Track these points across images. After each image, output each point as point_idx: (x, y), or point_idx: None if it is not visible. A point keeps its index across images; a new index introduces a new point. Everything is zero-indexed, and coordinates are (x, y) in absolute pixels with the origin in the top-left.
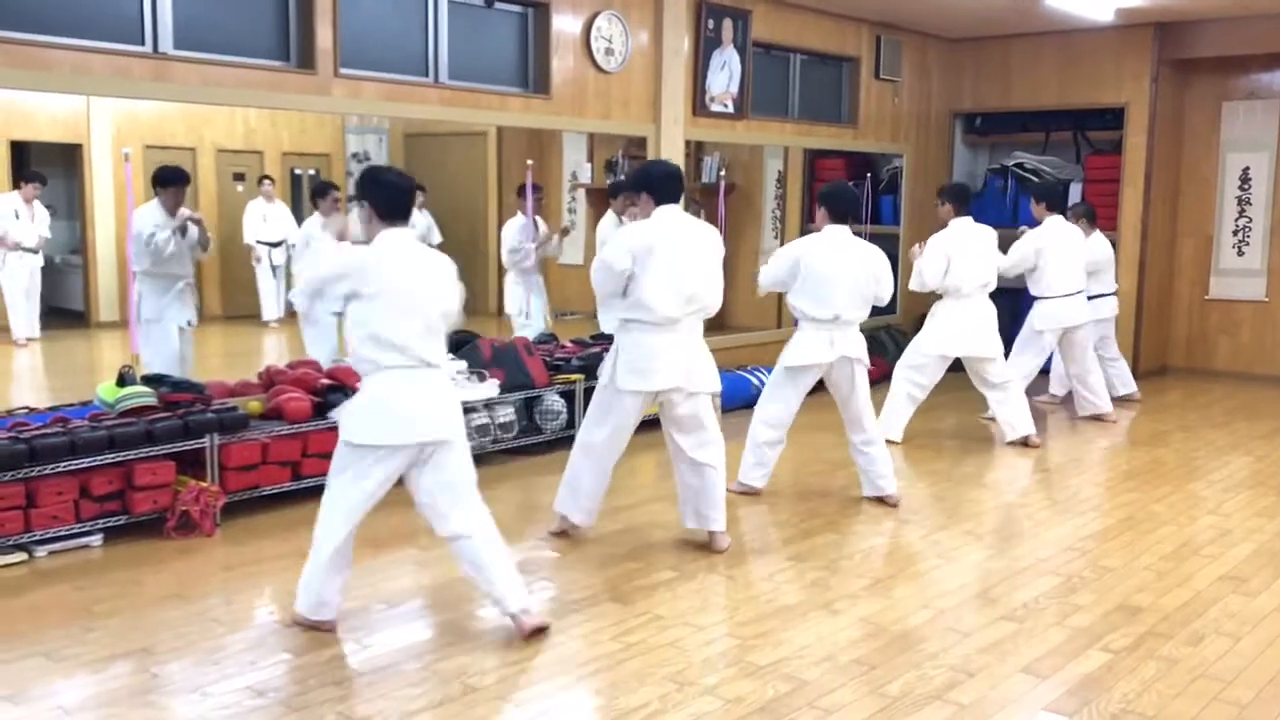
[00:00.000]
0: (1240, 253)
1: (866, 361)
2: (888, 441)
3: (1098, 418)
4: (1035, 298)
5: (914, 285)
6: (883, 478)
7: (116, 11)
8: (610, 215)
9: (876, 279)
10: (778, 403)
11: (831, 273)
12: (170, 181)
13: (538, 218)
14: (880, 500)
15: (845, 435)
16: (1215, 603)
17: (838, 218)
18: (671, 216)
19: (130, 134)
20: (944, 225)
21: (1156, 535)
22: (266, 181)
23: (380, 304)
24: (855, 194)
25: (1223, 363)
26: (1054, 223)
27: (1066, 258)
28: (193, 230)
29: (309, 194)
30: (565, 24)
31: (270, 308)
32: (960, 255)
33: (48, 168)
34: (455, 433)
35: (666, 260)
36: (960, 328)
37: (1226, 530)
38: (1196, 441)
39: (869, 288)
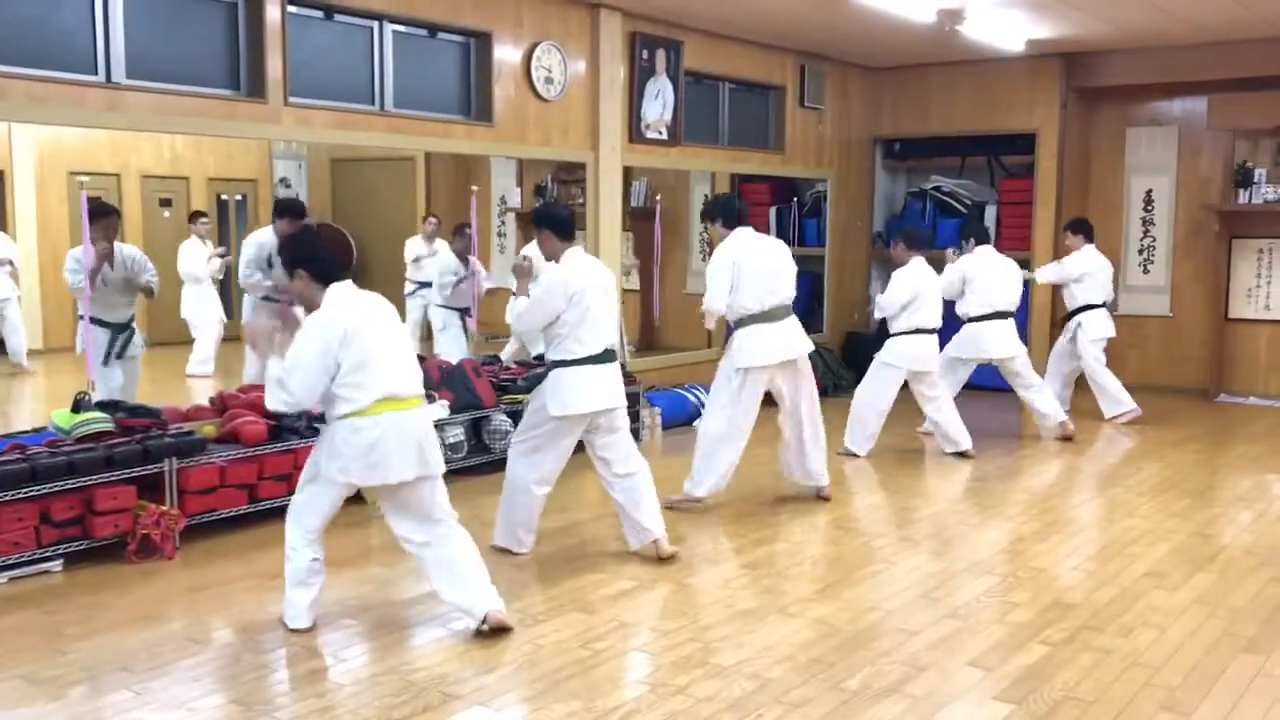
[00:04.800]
0: (1146, 270)
1: None
2: (852, 455)
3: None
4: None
5: (878, 315)
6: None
7: (70, 41)
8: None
9: None
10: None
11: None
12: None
13: (472, 257)
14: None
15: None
16: (1141, 597)
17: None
18: (582, 254)
19: (54, 160)
20: (901, 264)
21: (1082, 537)
22: (202, 220)
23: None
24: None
25: (1132, 375)
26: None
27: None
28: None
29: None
30: (506, 54)
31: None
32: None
33: None
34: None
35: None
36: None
37: (1145, 531)
38: (1112, 450)
39: None
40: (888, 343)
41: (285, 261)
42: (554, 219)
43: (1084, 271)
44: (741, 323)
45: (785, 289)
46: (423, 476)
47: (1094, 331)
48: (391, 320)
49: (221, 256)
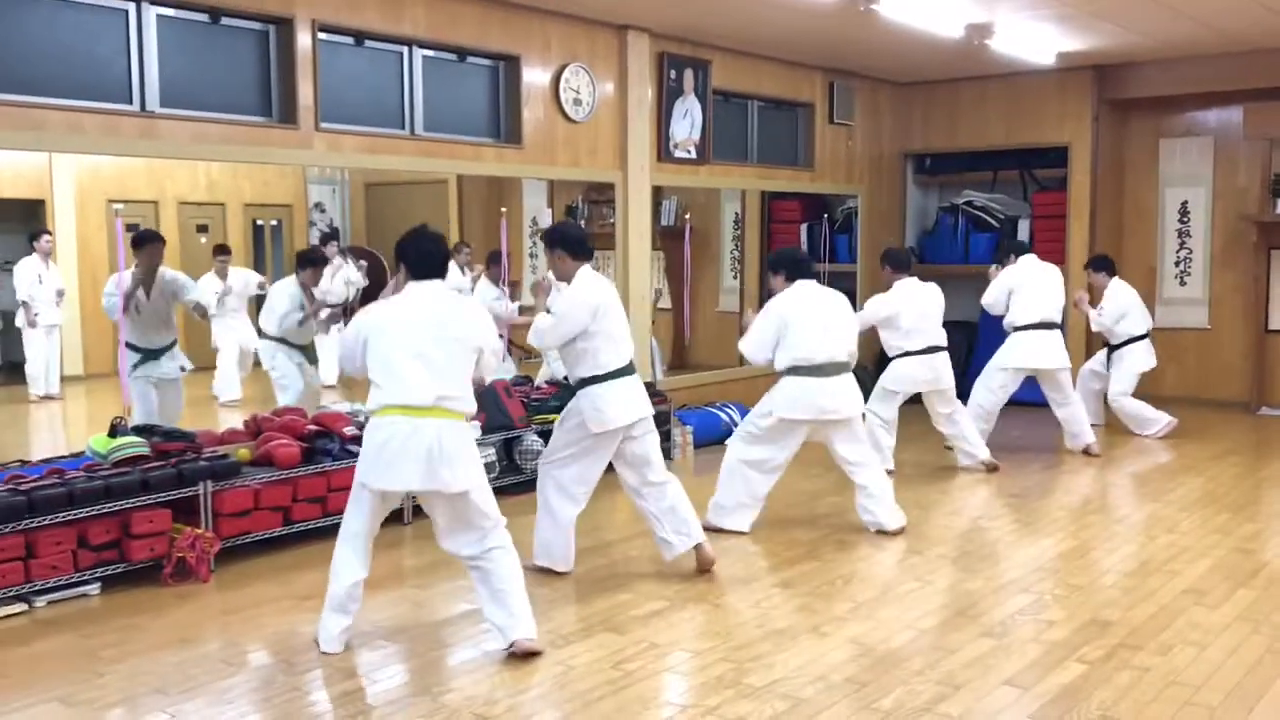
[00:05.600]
0: (1183, 283)
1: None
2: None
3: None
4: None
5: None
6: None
7: (105, 71)
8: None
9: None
10: None
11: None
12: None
13: (506, 287)
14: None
15: (819, 467)
16: (1180, 615)
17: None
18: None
19: (93, 188)
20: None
21: (1120, 554)
22: (220, 258)
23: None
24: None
25: (1170, 389)
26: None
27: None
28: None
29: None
30: (535, 76)
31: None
32: (910, 311)
33: (9, 224)
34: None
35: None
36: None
37: (1185, 547)
38: (1150, 465)
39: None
40: (888, 367)
41: (398, 254)
42: (567, 238)
43: (1124, 310)
44: (790, 371)
45: (840, 345)
46: (434, 490)
47: (1137, 365)
48: (438, 326)
49: (259, 286)
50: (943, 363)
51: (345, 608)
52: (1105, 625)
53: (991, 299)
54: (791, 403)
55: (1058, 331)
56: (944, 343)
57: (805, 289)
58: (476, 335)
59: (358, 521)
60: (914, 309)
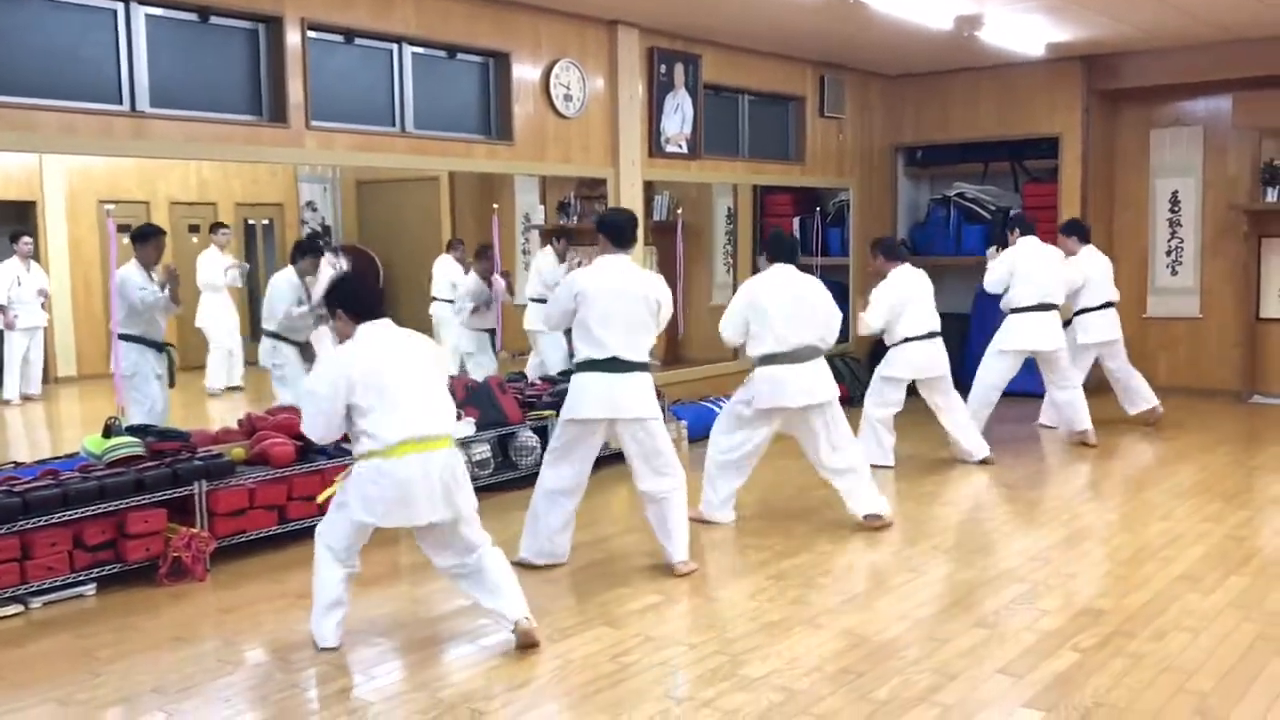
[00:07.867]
0: (1174, 272)
1: None
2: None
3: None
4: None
5: (863, 331)
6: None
7: (95, 72)
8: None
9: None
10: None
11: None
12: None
13: (495, 275)
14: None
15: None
16: (1174, 602)
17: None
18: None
19: (84, 189)
20: (882, 276)
21: (1113, 543)
22: (222, 231)
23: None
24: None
25: (1162, 378)
26: (1027, 243)
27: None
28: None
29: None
30: (525, 72)
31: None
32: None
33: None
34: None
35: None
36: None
37: (1178, 535)
38: (1143, 454)
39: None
40: (886, 355)
41: (327, 305)
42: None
43: (1083, 279)
44: (762, 361)
45: (810, 330)
46: (449, 519)
47: (1090, 335)
48: (420, 359)
49: (239, 267)
50: (931, 350)
51: (337, 601)
52: (1099, 613)
53: (993, 279)
54: (767, 394)
55: (1055, 313)
56: (939, 329)
57: (777, 273)
58: (442, 359)
59: (344, 541)
60: (908, 295)
